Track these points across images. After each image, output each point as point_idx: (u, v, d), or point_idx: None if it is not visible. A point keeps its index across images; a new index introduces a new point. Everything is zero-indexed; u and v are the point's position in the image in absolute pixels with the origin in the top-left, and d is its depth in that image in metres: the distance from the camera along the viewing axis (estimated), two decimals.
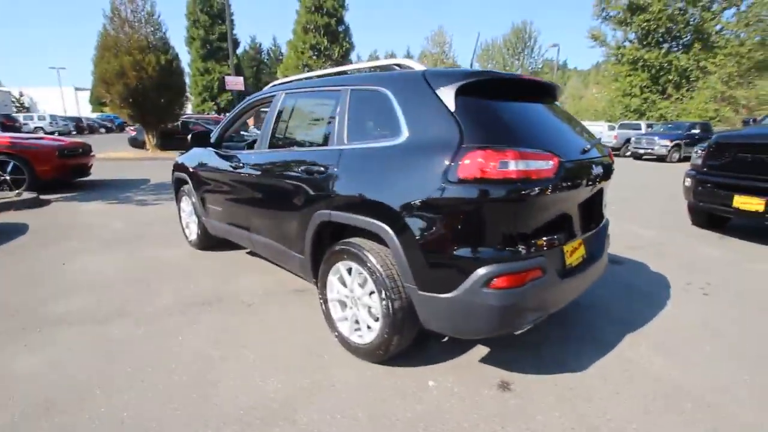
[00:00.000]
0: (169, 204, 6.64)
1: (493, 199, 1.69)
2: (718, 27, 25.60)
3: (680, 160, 16.63)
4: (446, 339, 2.51)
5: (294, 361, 2.26)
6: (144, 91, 12.90)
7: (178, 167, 4.22)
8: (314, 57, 13.94)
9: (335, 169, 2.20)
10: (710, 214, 5.31)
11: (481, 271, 1.73)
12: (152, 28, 13.67)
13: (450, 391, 2.04)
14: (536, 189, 1.73)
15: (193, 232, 4.22)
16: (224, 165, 3.31)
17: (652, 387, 2.09)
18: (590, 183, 2.07)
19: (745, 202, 4.49)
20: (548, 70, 44.96)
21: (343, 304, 2.38)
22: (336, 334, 2.39)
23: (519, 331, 1.87)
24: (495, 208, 1.71)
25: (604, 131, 20.81)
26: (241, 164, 3.04)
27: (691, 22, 26.39)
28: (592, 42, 31.00)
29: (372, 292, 2.12)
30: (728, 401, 1.98)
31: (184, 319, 2.75)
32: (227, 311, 2.87)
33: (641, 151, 17.43)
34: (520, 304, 1.77)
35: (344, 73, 2.70)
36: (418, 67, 2.19)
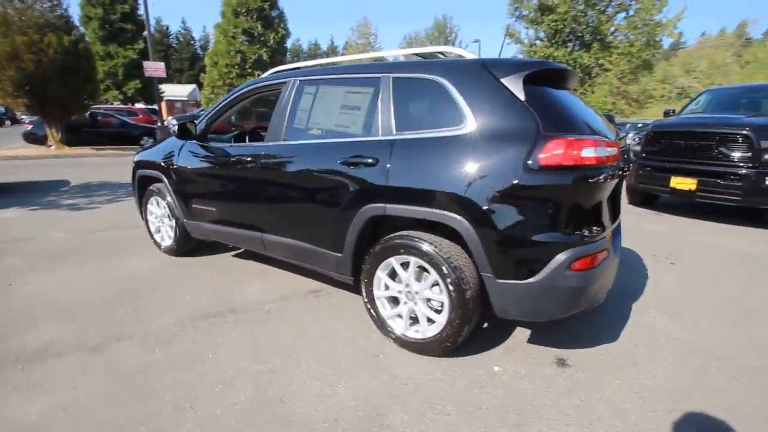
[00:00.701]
0: (112, 208, 5.85)
1: (573, 185, 1.76)
2: (612, 29, 29.03)
3: None
4: (485, 325, 2.57)
5: (350, 364, 2.15)
6: (44, 77, 11.01)
7: (145, 164, 3.72)
8: (247, 43, 13.06)
9: (388, 160, 2.11)
10: (645, 193, 6.08)
11: (563, 255, 1.80)
12: (50, 4, 11.68)
13: (517, 374, 2.10)
14: (606, 174, 1.84)
15: (166, 236, 3.76)
16: (221, 160, 2.99)
17: (677, 347, 2.35)
18: (626, 169, 2.25)
19: (680, 183, 5.22)
20: None
21: (394, 301, 2.31)
22: (389, 332, 2.31)
23: (590, 308, 1.98)
24: (573, 193, 1.78)
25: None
26: (248, 158, 2.76)
27: (590, 24, 29.56)
28: (509, 39, 33.21)
29: (435, 284, 2.09)
30: (737, 352, 2.31)
31: (203, 335, 2.45)
32: (248, 321, 2.62)
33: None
34: (596, 283, 1.88)
35: (359, 61, 2.58)
36: (468, 55, 2.18)
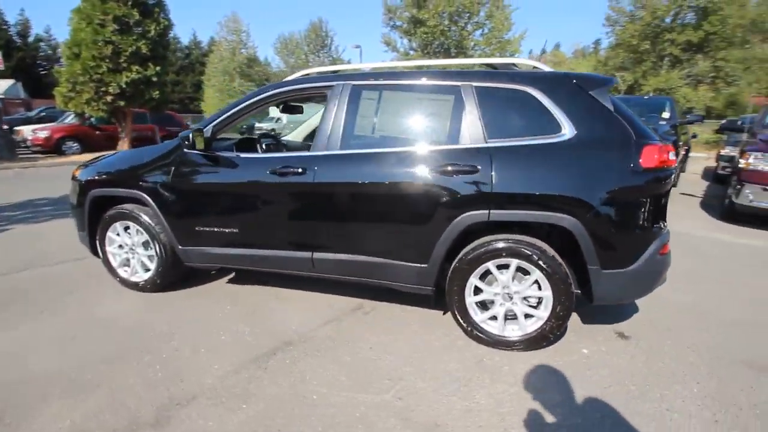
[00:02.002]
0: (14, 237, 4.39)
1: (660, 184, 2.10)
2: (472, 44, 33.09)
3: None
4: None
5: (465, 373, 2.14)
6: None
7: (106, 182, 2.96)
8: (118, 32, 11.06)
9: (490, 168, 2.15)
10: None
11: (655, 244, 2.13)
12: None
13: (601, 352, 2.37)
14: (672, 174, 2.23)
15: (140, 269, 3.05)
16: (250, 172, 2.58)
17: (700, 315, 2.87)
18: None
19: None
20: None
21: (485, 304, 2.37)
22: (482, 335, 2.35)
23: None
24: (659, 191, 2.12)
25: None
26: (294, 170, 2.45)
27: (454, 38, 33.17)
28: (386, 47, 35.05)
29: (535, 282, 2.22)
30: (741, 318, 3.01)
31: (281, 376, 2.12)
32: (318, 351, 2.35)
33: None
34: (669, 265, 2.26)
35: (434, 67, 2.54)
36: (543, 67, 2.36)
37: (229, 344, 2.41)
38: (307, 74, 2.72)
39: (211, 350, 2.35)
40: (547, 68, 2.36)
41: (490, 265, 2.26)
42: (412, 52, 34.07)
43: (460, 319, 2.39)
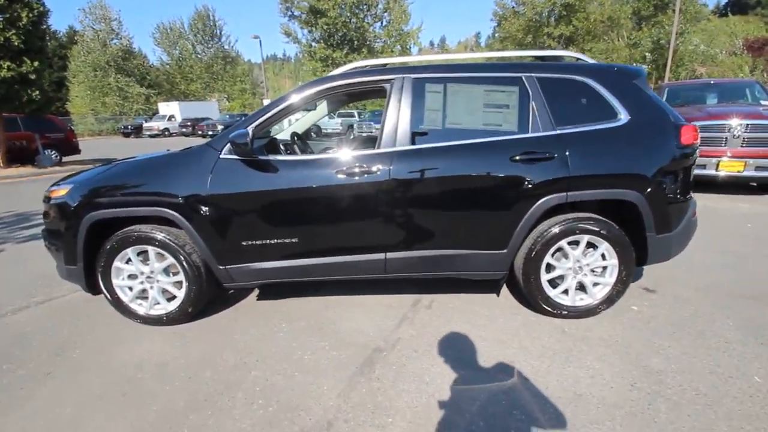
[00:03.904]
0: None
1: (692, 157, 2.49)
2: (373, 36, 33.59)
3: None
4: None
5: (565, 345, 2.31)
6: None
7: (113, 202, 2.45)
8: None
9: (564, 153, 2.31)
10: None
11: (691, 208, 2.52)
12: None
13: (645, 306, 2.75)
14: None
15: (163, 300, 2.62)
16: (310, 176, 2.37)
17: (710, 278, 3.46)
18: None
19: None
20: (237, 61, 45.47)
21: (558, 279, 2.56)
22: (558, 308, 2.54)
23: None
24: (692, 163, 2.50)
25: (325, 119, 23.88)
26: (370, 168, 2.33)
27: (356, 30, 33.30)
28: (286, 37, 33.75)
29: (603, 256, 2.48)
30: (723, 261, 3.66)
31: (403, 380, 2.05)
32: (416, 350, 2.31)
33: (363, 133, 21.40)
34: (696, 226, 2.69)
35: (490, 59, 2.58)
36: (586, 59, 2.58)
37: (317, 362, 2.23)
38: (357, 68, 2.57)
39: (305, 372, 2.15)
40: (589, 59, 2.60)
41: (563, 242, 2.45)
42: (315, 45, 33.43)
43: (536, 297, 2.54)
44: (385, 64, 2.63)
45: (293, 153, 3.01)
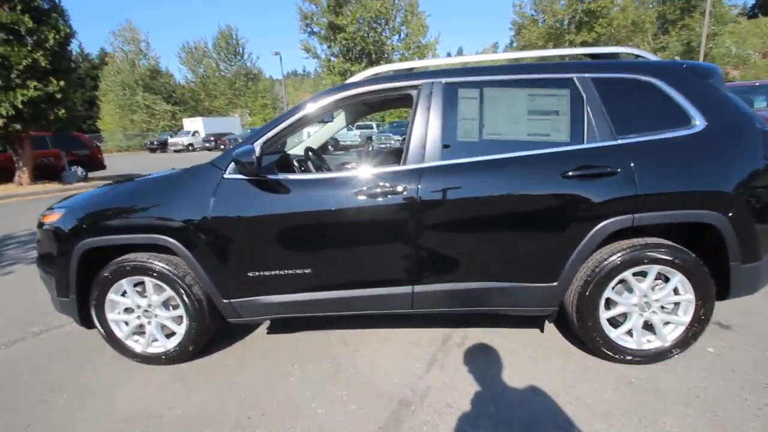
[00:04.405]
0: None
1: None
2: (391, 49, 33.71)
3: None
4: None
5: (634, 401, 1.88)
6: None
7: (108, 227, 2.19)
8: (6, 42, 9.11)
9: (628, 167, 1.93)
10: None
11: None
12: None
13: (722, 347, 2.28)
14: None
15: (161, 336, 2.33)
16: (326, 197, 2.06)
17: None
18: None
19: None
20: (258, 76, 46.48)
21: (620, 317, 2.15)
22: (620, 352, 2.12)
23: None
24: None
25: (343, 132, 23.82)
26: (396, 188, 2.00)
27: (374, 44, 33.49)
28: (306, 53, 34.27)
29: (675, 290, 2.06)
30: None
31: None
32: (450, 405, 1.93)
33: (382, 146, 21.19)
34: None
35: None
36: (649, 56, 2.20)
37: (332, 419, 1.87)
38: (379, 73, 2.27)
39: (318, 430, 1.79)
40: (652, 56, 2.21)
41: (628, 274, 2.04)
42: (333, 59, 33.77)
43: (593, 338, 2.13)
44: (411, 69, 2.32)
45: (307, 170, 2.71)
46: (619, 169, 1.93)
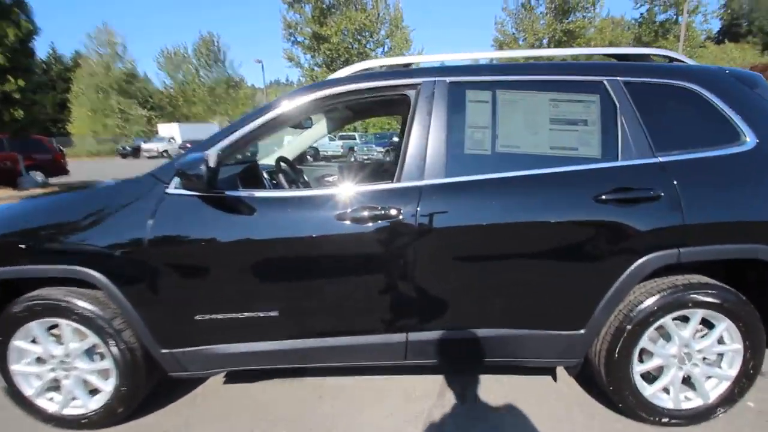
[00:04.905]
0: None
1: None
2: None
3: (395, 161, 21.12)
4: None
5: None
6: None
7: (12, 253, 1.68)
8: None
9: (674, 190, 1.57)
10: None
11: None
12: None
13: (764, 402, 1.95)
14: None
15: (83, 394, 1.82)
16: (298, 221, 1.62)
17: None
18: None
19: None
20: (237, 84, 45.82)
21: (656, 370, 1.77)
22: (655, 413, 1.75)
23: None
24: None
25: (325, 142, 23.32)
26: (387, 211, 1.58)
27: (356, 56, 33.38)
28: (289, 62, 33.91)
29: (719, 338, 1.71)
30: None
31: None
32: None
33: (364, 157, 20.84)
34: None
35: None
36: (686, 60, 1.87)
37: None
38: (368, 69, 1.86)
39: None
40: (689, 60, 1.89)
41: (667, 319, 1.68)
42: (317, 69, 33.43)
43: (623, 396, 1.74)
44: (409, 64, 1.92)
45: (279, 185, 2.26)
46: (662, 193, 1.58)
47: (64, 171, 13.24)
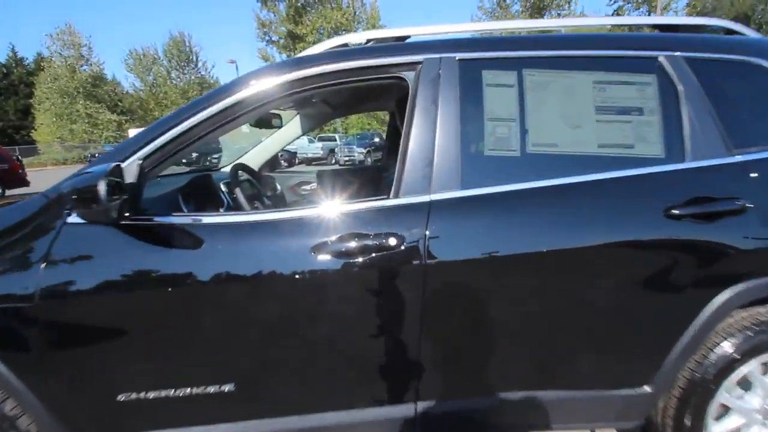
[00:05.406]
0: None
1: None
2: None
3: (374, 163, 20.67)
4: None
5: None
6: None
7: None
8: None
9: (760, 200, 1.18)
10: None
11: None
12: None
13: None
14: None
15: None
16: (267, 256, 1.16)
17: None
18: None
19: None
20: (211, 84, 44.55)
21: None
22: None
23: None
24: None
25: (304, 144, 22.59)
26: (383, 241, 1.13)
27: None
28: (264, 62, 33.08)
29: None
30: None
31: None
32: None
33: (345, 159, 20.29)
34: None
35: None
36: (746, 30, 1.48)
37: None
38: (349, 44, 1.40)
39: None
40: (750, 31, 1.50)
41: (753, 366, 1.29)
42: None
43: None
44: (405, 37, 1.46)
45: (238, 204, 1.75)
46: (749, 203, 1.18)
47: (23, 182, 12.31)
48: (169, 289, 1.15)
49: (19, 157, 13.93)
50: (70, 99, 35.99)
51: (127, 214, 1.12)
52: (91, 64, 38.04)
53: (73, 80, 35.91)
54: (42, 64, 39.05)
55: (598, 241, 1.19)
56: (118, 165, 1.08)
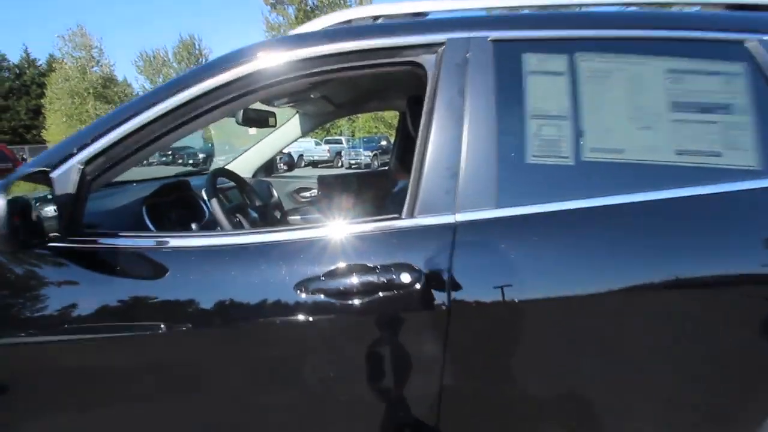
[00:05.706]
0: None
1: None
2: None
3: (380, 167, 20.47)
4: None
5: None
6: None
7: None
8: None
9: None
10: None
11: None
12: None
13: None
14: None
15: None
16: (253, 297, 0.88)
17: None
18: None
19: None
20: None
21: None
22: None
23: None
24: None
25: (311, 147, 22.42)
26: (392, 276, 0.85)
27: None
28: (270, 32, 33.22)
29: None
30: None
31: None
32: None
33: (352, 162, 20.13)
34: None
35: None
36: None
37: None
38: (351, 20, 1.13)
39: None
40: None
41: None
42: None
43: None
44: (423, 13, 1.17)
45: (211, 222, 1.45)
46: None
47: None
48: (106, 336, 0.87)
49: (24, 157, 13.90)
50: (80, 99, 36.36)
51: (55, 235, 0.85)
52: (101, 66, 38.45)
53: (83, 81, 36.31)
54: (54, 65, 39.59)
55: (683, 274, 0.89)
56: (43, 171, 0.82)
